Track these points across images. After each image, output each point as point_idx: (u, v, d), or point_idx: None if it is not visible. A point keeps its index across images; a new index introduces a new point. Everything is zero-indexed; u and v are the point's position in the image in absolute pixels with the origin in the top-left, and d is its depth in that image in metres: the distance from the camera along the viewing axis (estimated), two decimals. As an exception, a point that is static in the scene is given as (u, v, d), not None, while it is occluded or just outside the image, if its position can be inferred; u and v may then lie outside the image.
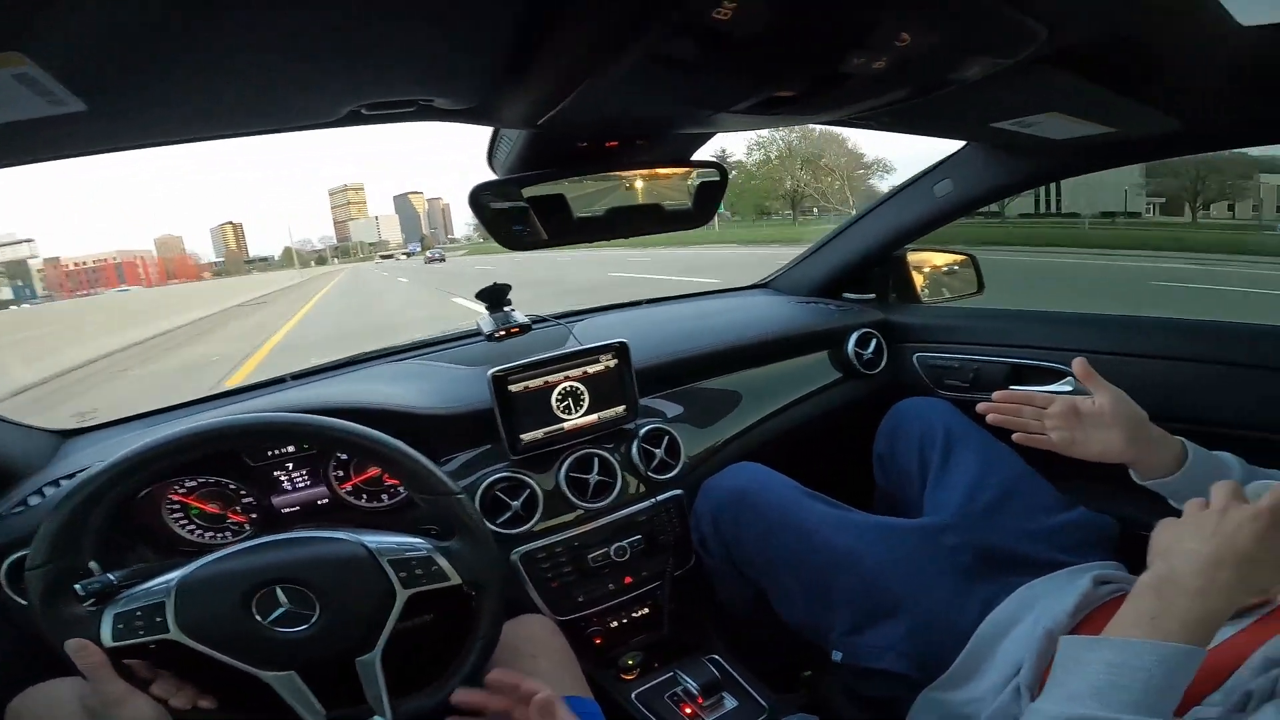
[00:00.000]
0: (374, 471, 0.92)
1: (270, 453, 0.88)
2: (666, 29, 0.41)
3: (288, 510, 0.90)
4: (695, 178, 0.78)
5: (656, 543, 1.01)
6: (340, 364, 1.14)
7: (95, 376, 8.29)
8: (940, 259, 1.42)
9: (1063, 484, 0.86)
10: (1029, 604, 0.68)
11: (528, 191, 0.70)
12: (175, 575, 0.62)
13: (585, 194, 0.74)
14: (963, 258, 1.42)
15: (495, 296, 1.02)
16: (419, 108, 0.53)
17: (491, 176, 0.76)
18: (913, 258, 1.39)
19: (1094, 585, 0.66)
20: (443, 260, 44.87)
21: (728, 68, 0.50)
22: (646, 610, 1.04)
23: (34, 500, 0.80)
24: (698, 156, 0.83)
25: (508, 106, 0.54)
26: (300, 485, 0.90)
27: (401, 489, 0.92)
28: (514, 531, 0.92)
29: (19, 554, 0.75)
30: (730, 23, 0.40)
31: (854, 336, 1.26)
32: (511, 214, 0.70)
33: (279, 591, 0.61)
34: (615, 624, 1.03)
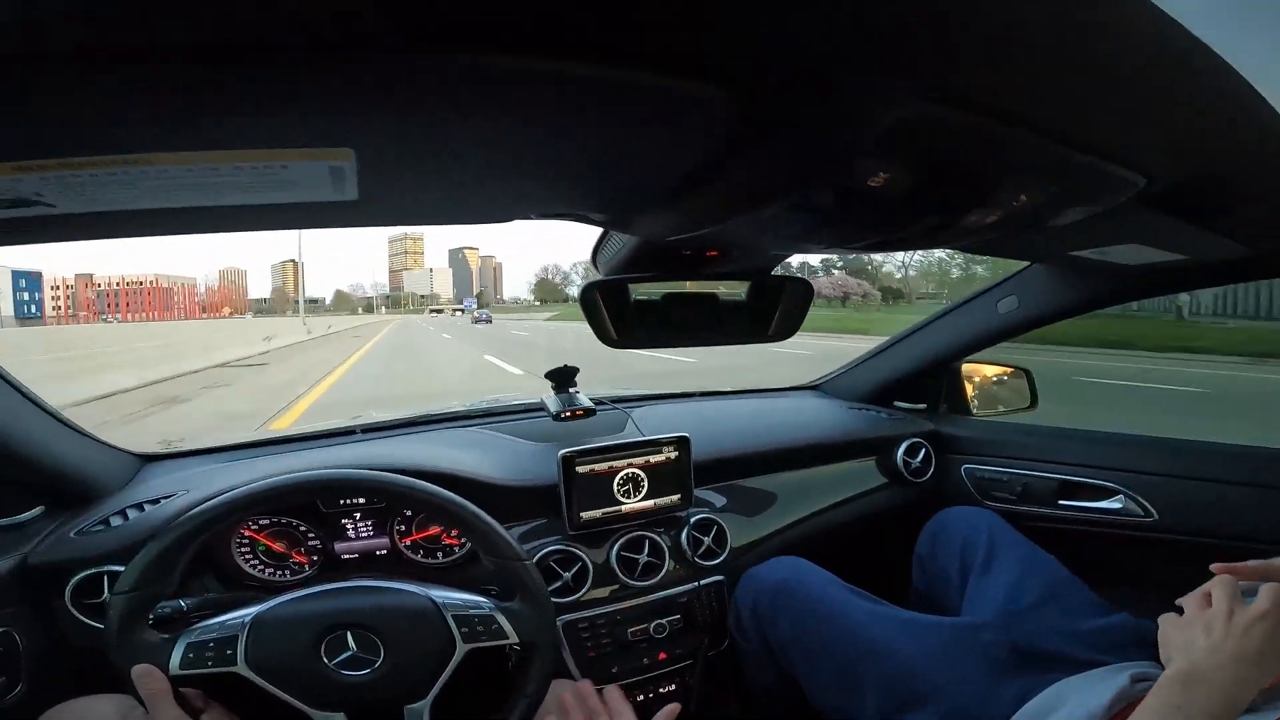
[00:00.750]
0: (434, 530, 0.95)
1: (343, 502, 0.91)
2: (824, 188, 0.45)
3: (347, 556, 0.92)
4: (785, 292, 0.81)
5: (694, 623, 1.02)
6: (407, 423, 1.19)
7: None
8: (994, 371, 1.43)
9: (1106, 591, 0.88)
10: (1063, 698, 0.68)
11: (635, 294, 0.74)
12: (251, 611, 0.64)
13: (681, 300, 0.78)
14: (1016, 372, 1.42)
15: (563, 378, 1.07)
16: (576, 217, 0.58)
17: (591, 271, 0.81)
18: (966, 368, 1.41)
19: (1131, 683, 0.66)
20: (489, 322, 46.93)
21: (855, 216, 0.53)
22: (673, 687, 1.05)
23: (115, 521, 0.83)
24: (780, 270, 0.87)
25: (648, 224, 0.59)
26: (364, 534, 0.93)
27: (456, 549, 0.95)
28: (562, 601, 0.94)
29: (90, 571, 0.78)
30: (878, 187, 0.44)
31: (903, 445, 1.27)
32: (617, 313, 0.74)
33: (350, 635, 0.64)
34: (642, 698, 1.03)
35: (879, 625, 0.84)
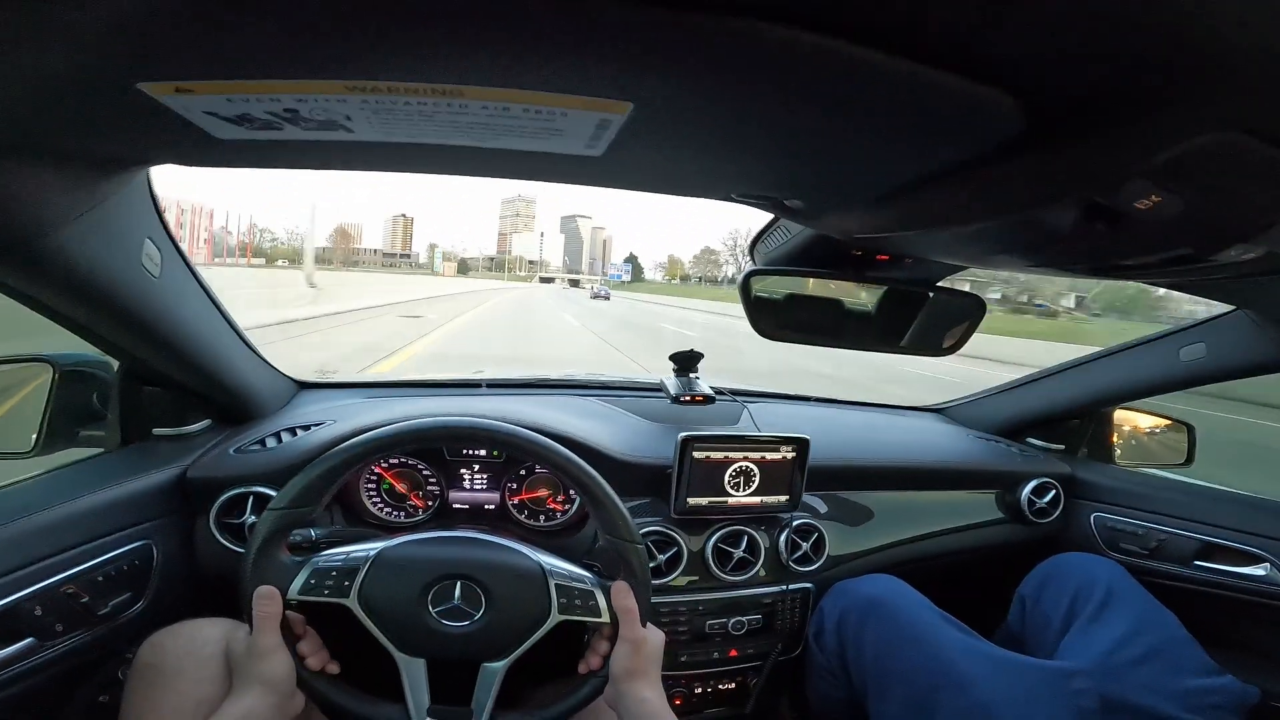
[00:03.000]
0: (542, 492, 0.98)
1: (465, 451, 0.94)
2: (1075, 205, 0.40)
3: (458, 506, 0.96)
4: (956, 307, 0.75)
5: (773, 625, 1.01)
6: (529, 383, 1.22)
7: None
8: (1151, 421, 1.29)
9: (1221, 654, 0.85)
10: None
11: (794, 289, 0.70)
12: (377, 547, 0.66)
13: (842, 301, 0.73)
14: (1177, 425, 1.27)
15: (686, 362, 1.05)
16: (773, 203, 0.55)
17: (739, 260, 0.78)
18: (1119, 415, 1.27)
19: None
20: (607, 299, 44.23)
21: (1093, 237, 0.47)
22: (733, 685, 1.04)
23: (270, 442, 0.89)
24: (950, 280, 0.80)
25: (844, 220, 0.55)
26: (478, 487, 0.96)
27: (559, 514, 0.98)
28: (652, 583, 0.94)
29: (237, 491, 0.83)
30: (1144, 210, 0.38)
31: (1031, 484, 1.17)
32: (773, 304, 0.71)
33: (458, 586, 0.65)
34: (700, 690, 1.03)
35: (967, 657, 0.82)
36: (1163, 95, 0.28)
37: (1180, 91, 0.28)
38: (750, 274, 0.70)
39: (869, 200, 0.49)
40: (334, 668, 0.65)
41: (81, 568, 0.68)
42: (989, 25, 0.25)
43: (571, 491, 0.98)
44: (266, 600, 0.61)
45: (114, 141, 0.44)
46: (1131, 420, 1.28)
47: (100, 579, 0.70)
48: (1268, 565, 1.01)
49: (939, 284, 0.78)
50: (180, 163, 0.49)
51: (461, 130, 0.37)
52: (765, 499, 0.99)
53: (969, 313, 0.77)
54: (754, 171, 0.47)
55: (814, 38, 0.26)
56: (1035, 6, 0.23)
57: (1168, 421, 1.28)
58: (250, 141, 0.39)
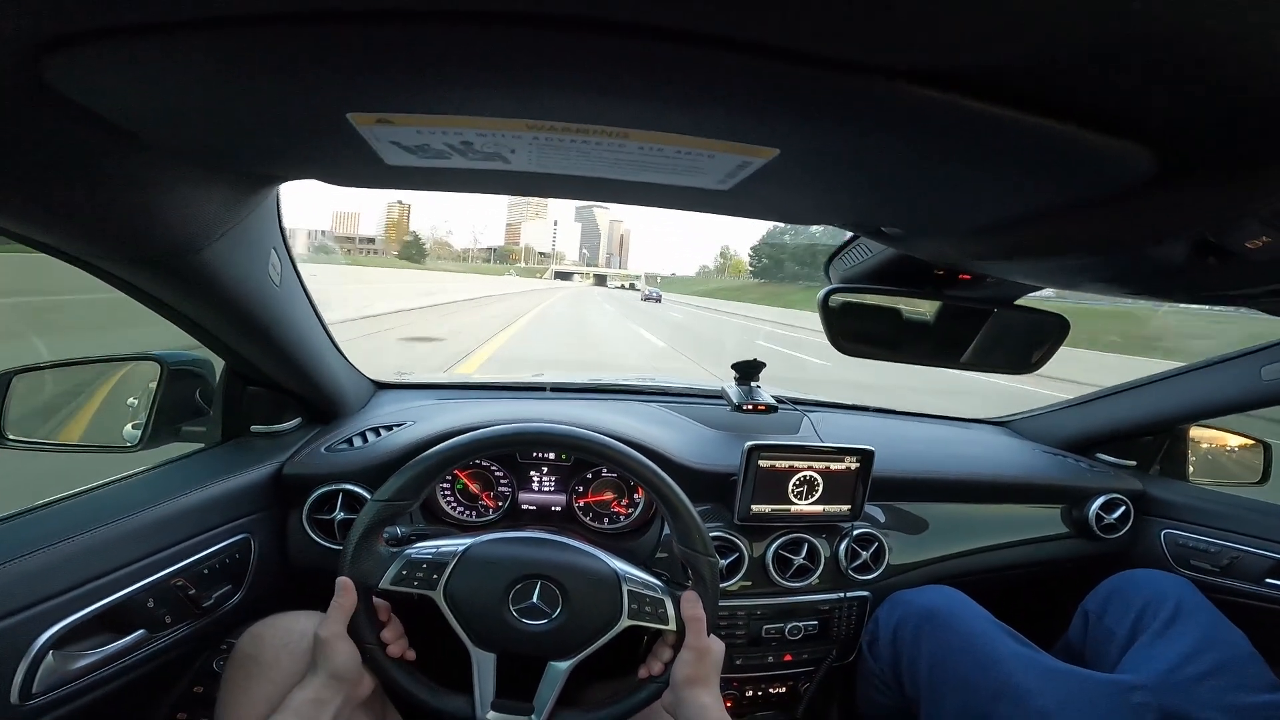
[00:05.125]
0: (607, 495, 1.00)
1: (536, 455, 0.97)
2: (1183, 240, 0.40)
3: (526, 507, 0.99)
4: (1038, 324, 0.74)
5: (829, 632, 1.02)
6: (592, 388, 1.24)
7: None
8: (1227, 439, 1.25)
9: None
10: None
11: (876, 302, 0.71)
12: (465, 543, 0.69)
13: (925, 318, 0.73)
14: (1253, 443, 1.23)
15: (748, 371, 1.06)
16: (869, 229, 0.56)
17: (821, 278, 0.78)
18: (1195, 432, 1.23)
19: None
20: (659, 300, 42.05)
21: (1196, 270, 0.47)
22: (784, 690, 1.06)
23: (358, 442, 0.93)
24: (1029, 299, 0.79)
25: (940, 246, 0.55)
26: (546, 489, 0.99)
27: (623, 518, 1.00)
28: None
29: (329, 488, 0.87)
30: (1253, 250, 0.38)
31: (1100, 499, 1.15)
32: (853, 321, 0.71)
33: (538, 585, 0.67)
34: (751, 693, 1.05)
35: (1024, 669, 0.81)
36: None
37: None
38: (830, 291, 0.71)
39: (972, 230, 0.49)
40: (411, 655, 0.68)
41: (189, 560, 0.72)
42: (1139, 92, 0.26)
43: (636, 495, 1.00)
44: (343, 591, 0.64)
45: (295, 162, 0.47)
46: (1206, 437, 1.25)
47: (205, 571, 0.74)
48: None
49: (1017, 302, 0.77)
50: (337, 183, 0.52)
51: (614, 166, 0.39)
52: (827, 508, 1.00)
53: (1053, 329, 0.76)
54: (865, 206, 0.48)
55: (957, 98, 0.27)
56: (1186, 78, 0.25)
57: (1244, 440, 1.24)
58: (413, 167, 0.42)
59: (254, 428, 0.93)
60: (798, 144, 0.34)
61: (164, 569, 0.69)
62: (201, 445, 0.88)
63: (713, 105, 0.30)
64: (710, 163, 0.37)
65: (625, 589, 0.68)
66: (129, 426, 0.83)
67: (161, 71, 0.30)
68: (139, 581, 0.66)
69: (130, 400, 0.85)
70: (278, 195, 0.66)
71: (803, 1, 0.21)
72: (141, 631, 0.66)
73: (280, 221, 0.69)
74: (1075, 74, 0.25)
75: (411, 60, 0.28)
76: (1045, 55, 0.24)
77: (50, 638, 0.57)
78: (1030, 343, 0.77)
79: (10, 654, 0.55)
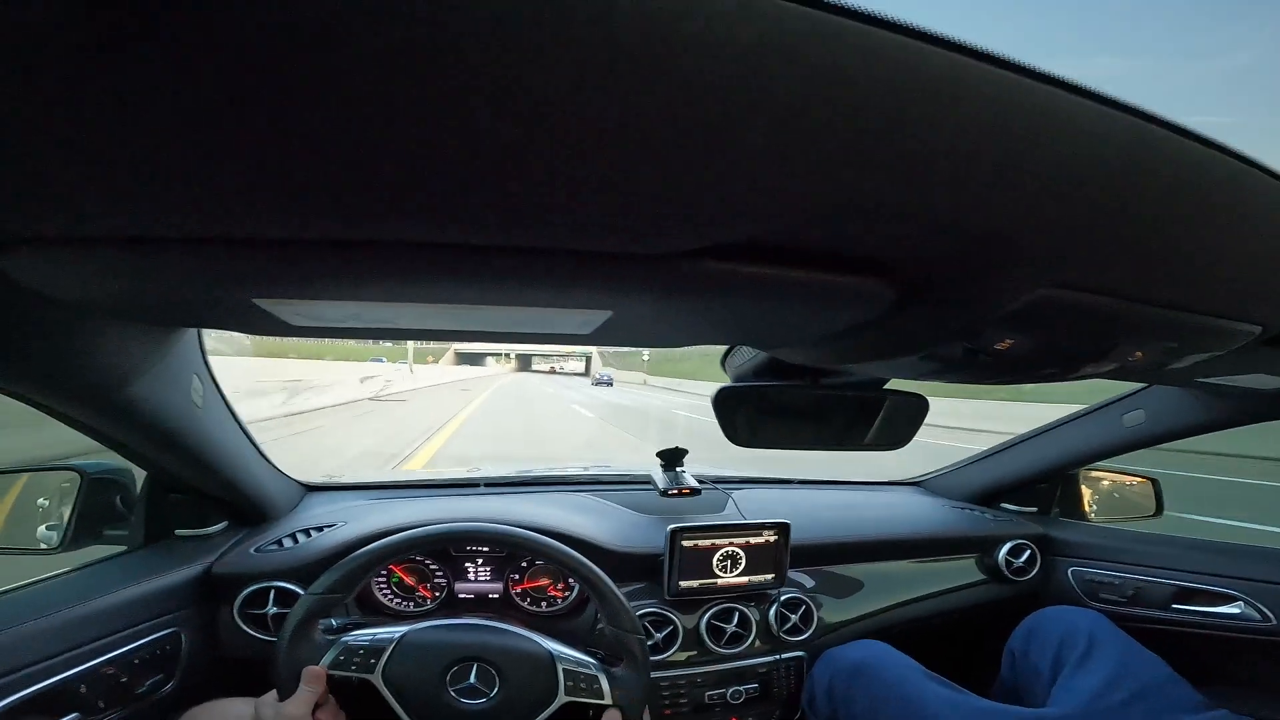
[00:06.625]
0: (543, 581, 1.06)
1: (470, 548, 1.03)
2: (955, 346, 0.51)
3: (464, 596, 1.04)
4: (899, 405, 0.85)
5: (770, 693, 1.07)
6: (523, 481, 1.31)
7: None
8: (1117, 478, 1.37)
9: (1210, 690, 0.88)
10: None
11: (764, 399, 0.81)
12: (401, 630, 0.73)
13: (802, 411, 0.84)
14: (1143, 480, 1.36)
15: (672, 458, 1.15)
16: (734, 342, 0.69)
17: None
18: (1086, 474, 1.36)
19: None
20: (610, 384, 37.34)
21: (980, 367, 0.58)
22: None
23: (287, 542, 0.97)
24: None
25: (792, 354, 0.67)
26: (482, 578, 1.04)
27: (560, 601, 1.05)
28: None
29: (260, 585, 0.90)
30: (1002, 350, 0.49)
31: (1007, 546, 1.25)
32: (745, 416, 0.81)
33: (475, 668, 0.72)
34: None
35: (953, 712, 0.85)
36: (991, 269, 0.38)
37: (1002, 265, 0.37)
38: (722, 390, 0.81)
39: (806, 344, 0.60)
40: None
41: (119, 651, 0.75)
42: (861, 241, 0.35)
43: (571, 580, 1.06)
44: (313, 679, 0.68)
45: (210, 324, 0.56)
46: (1100, 477, 1.37)
47: (136, 661, 0.77)
48: (1240, 603, 1.09)
49: (886, 387, 0.89)
50: (249, 333, 0.61)
51: (483, 322, 0.49)
52: (753, 578, 1.07)
53: (916, 409, 0.87)
54: (713, 334, 0.59)
55: (747, 268, 0.37)
56: (886, 229, 0.32)
57: (1133, 478, 1.36)
58: (317, 327, 0.52)
59: (178, 531, 0.96)
60: (625, 308, 0.43)
61: (93, 659, 0.72)
62: (124, 548, 0.91)
63: (539, 287, 0.39)
64: (562, 318, 0.47)
65: (560, 667, 0.73)
66: (42, 528, 0.86)
67: (77, 270, 0.37)
68: (70, 670, 0.69)
69: (41, 500, 0.88)
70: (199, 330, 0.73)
71: (587, 213, 0.28)
72: (76, 715, 0.68)
73: (202, 348, 0.76)
74: (812, 231, 0.32)
75: (302, 272, 0.35)
76: (778, 225, 0.30)
77: None
78: (902, 419, 0.87)
79: None
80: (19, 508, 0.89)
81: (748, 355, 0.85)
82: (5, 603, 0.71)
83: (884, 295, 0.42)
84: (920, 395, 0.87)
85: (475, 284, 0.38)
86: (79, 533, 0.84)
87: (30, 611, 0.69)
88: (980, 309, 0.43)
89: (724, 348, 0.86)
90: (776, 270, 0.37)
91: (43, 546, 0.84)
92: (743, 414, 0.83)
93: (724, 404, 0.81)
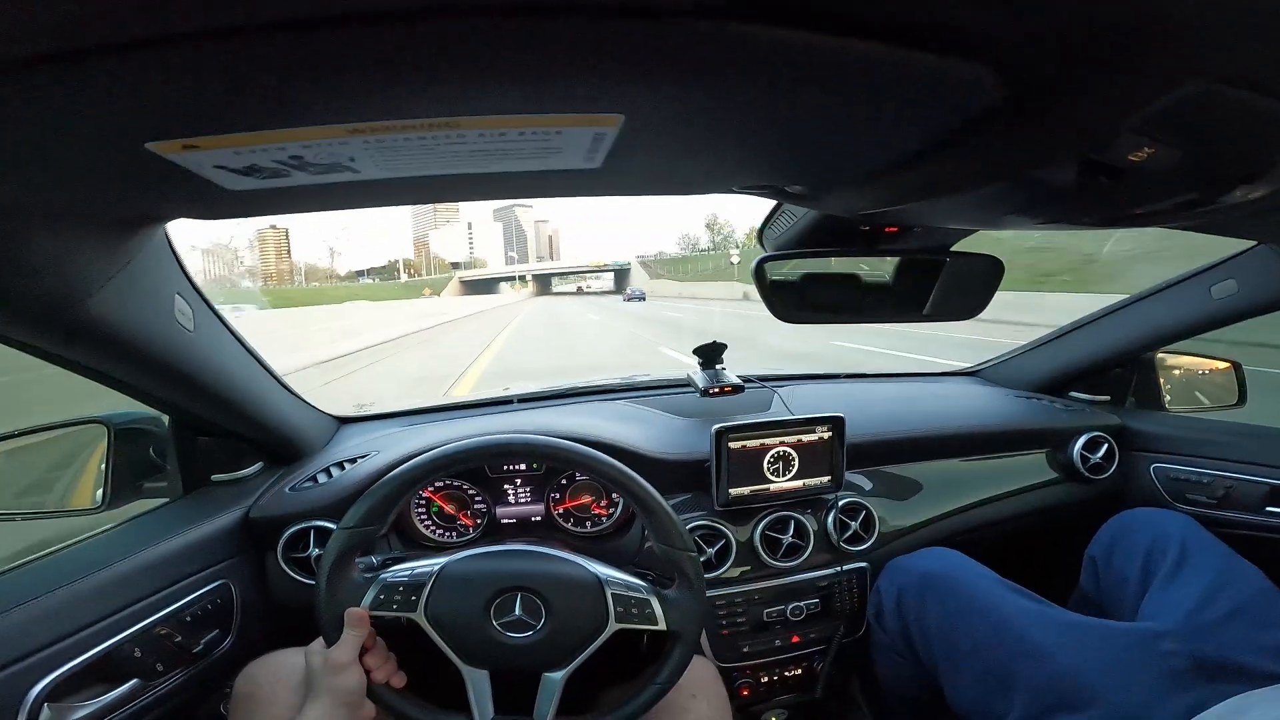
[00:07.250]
0: (585, 499, 1.00)
1: (506, 467, 0.98)
2: (1071, 162, 0.41)
3: (506, 521, 0.99)
4: (973, 270, 0.76)
5: (831, 608, 1.01)
6: (558, 394, 1.25)
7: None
8: (1196, 363, 1.25)
9: None
10: (1242, 711, 0.63)
11: (808, 268, 0.73)
12: (440, 561, 0.68)
13: (859, 276, 0.75)
14: (1225, 365, 1.24)
15: (710, 354, 1.07)
16: (775, 190, 0.57)
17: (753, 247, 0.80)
18: (1163, 359, 1.24)
19: None
20: (643, 299, 39.90)
21: (1096, 191, 0.48)
22: (799, 671, 1.04)
23: (322, 478, 0.93)
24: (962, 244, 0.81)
25: (846, 199, 0.56)
26: (523, 500, 0.99)
27: (604, 519, 1.00)
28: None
29: (300, 526, 0.87)
30: (1138, 162, 0.40)
31: (1082, 439, 1.15)
32: (790, 287, 0.73)
33: (519, 598, 0.67)
34: (766, 679, 1.03)
35: (1039, 626, 0.79)
36: (1133, 53, 0.29)
37: (1150, 48, 0.28)
38: (762, 260, 0.72)
39: (867, 177, 0.51)
40: (399, 680, 0.67)
41: (169, 609, 0.72)
42: (975, 11, 0.26)
43: (615, 496, 1.00)
44: (356, 621, 0.64)
45: (128, 201, 0.46)
46: (1176, 364, 1.25)
47: (189, 619, 0.75)
48: None
49: (953, 249, 0.79)
50: (195, 216, 0.52)
51: (463, 159, 0.39)
52: (807, 481, 1.00)
53: (988, 274, 0.77)
54: (750, 164, 0.48)
55: (787, 33, 0.27)
56: None
57: (1215, 362, 1.24)
58: (260, 190, 0.42)
59: (215, 477, 0.93)
60: (639, 105, 0.33)
61: (145, 619, 0.70)
62: (165, 500, 0.89)
63: (530, 76, 0.29)
64: (562, 140, 0.37)
65: (609, 593, 0.67)
66: (81, 488, 0.84)
67: None
68: (122, 632, 0.67)
69: (76, 460, 0.86)
70: (167, 238, 0.65)
71: None
72: (135, 681, 0.67)
73: (180, 265, 0.69)
74: None
75: (195, 73, 0.26)
76: None
77: (43, 689, 0.59)
78: (968, 288, 0.78)
79: (6, 706, 0.56)
80: (54, 469, 0.88)
81: (790, 221, 0.76)
82: (45, 566, 0.68)
83: (986, 88, 0.33)
84: (992, 256, 0.77)
85: (450, 80, 0.29)
86: (118, 488, 0.82)
87: (70, 573, 0.66)
88: (1117, 106, 0.34)
89: (752, 261, 0.76)
90: (830, 40, 0.27)
91: (86, 506, 0.82)
92: (788, 285, 0.74)
93: (767, 275, 0.73)
